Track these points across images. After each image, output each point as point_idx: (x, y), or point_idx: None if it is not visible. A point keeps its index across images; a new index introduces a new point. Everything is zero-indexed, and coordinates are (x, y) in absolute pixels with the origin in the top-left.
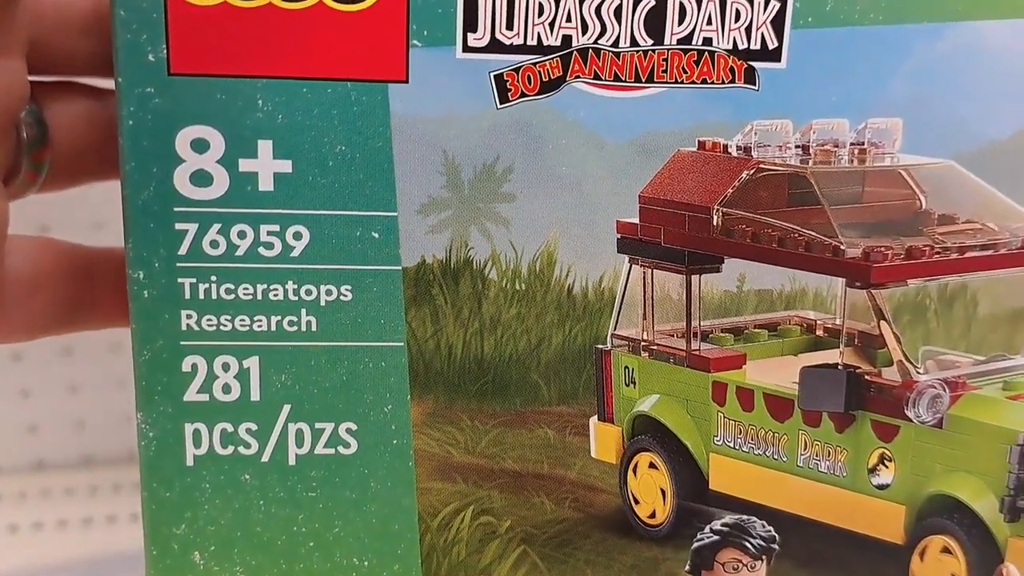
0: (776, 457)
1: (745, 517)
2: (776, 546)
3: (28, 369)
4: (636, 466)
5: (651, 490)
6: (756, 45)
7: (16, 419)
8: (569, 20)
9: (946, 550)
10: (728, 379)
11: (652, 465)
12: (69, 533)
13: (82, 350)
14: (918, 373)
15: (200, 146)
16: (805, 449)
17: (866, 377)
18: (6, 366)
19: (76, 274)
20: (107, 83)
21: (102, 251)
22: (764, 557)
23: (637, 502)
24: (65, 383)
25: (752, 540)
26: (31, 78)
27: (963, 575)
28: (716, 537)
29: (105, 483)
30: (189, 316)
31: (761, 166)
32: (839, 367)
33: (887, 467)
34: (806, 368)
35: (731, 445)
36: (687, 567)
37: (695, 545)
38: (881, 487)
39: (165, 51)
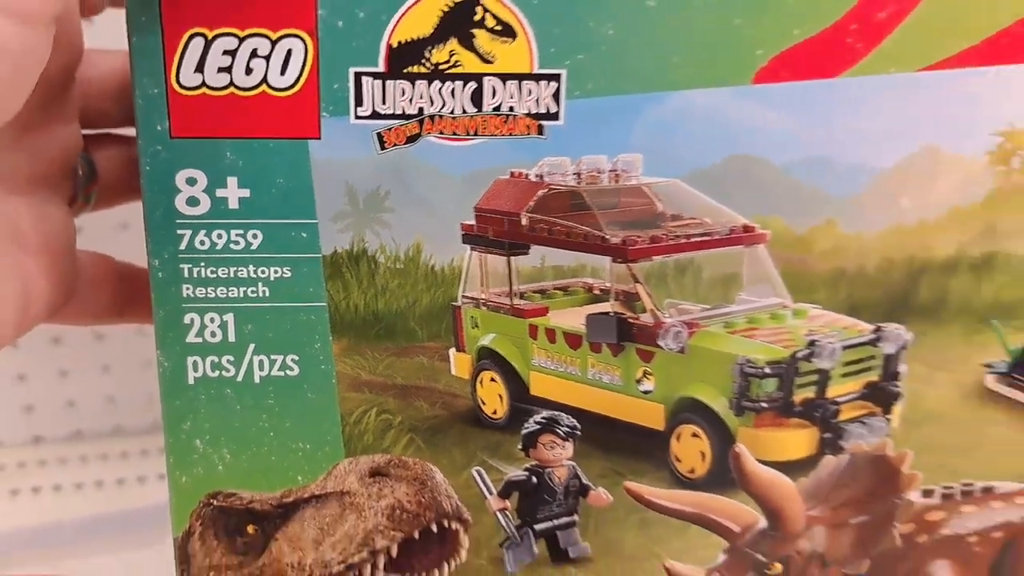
0: (574, 373)
1: (556, 413)
2: (578, 432)
3: (66, 352)
4: (482, 380)
5: (492, 396)
6: (543, 110)
7: (56, 395)
8: (422, 98)
9: (695, 435)
10: (538, 323)
11: (492, 379)
12: (106, 492)
13: (112, 336)
14: (664, 317)
15: (191, 181)
16: (592, 368)
17: (629, 320)
18: (47, 349)
19: (124, 280)
20: (130, 132)
21: (140, 268)
22: (571, 439)
23: (484, 404)
24: (99, 364)
25: (562, 427)
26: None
27: (708, 452)
28: (537, 426)
29: (134, 449)
30: (187, 288)
31: (551, 187)
32: (611, 314)
33: (649, 379)
34: (589, 315)
35: (543, 366)
36: (519, 446)
37: (524, 432)
38: (646, 392)
39: (168, 123)
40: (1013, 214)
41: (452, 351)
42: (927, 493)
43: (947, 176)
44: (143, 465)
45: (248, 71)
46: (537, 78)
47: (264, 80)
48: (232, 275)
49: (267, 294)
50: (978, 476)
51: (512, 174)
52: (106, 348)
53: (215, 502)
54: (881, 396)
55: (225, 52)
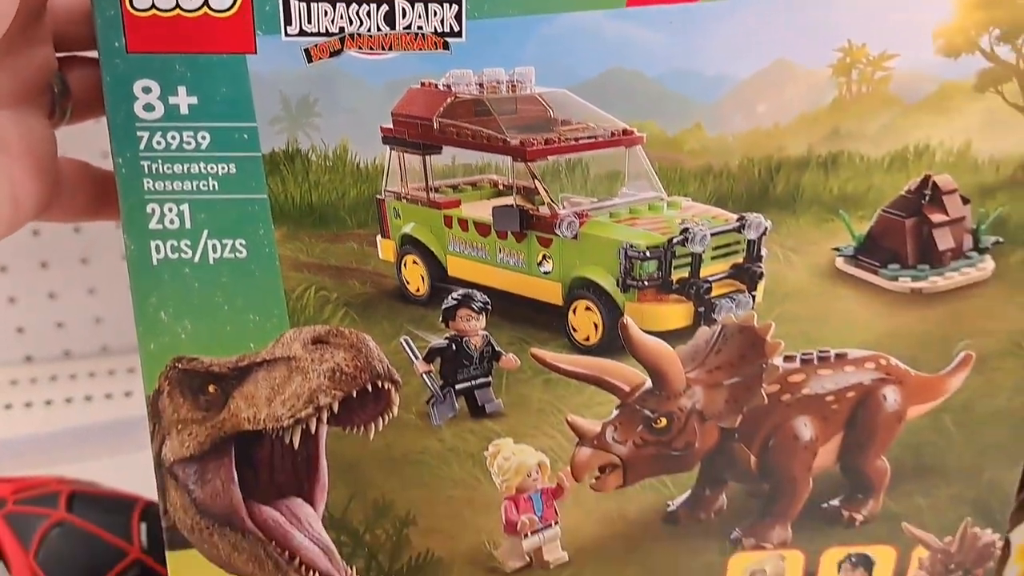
0: (484, 257)
1: (470, 290)
2: (490, 307)
3: (54, 276)
4: (405, 263)
5: (415, 276)
6: (448, 29)
7: (45, 317)
8: (342, 19)
9: (588, 308)
10: (451, 214)
11: (415, 262)
12: (94, 405)
13: (98, 260)
14: (559, 209)
15: (146, 90)
16: (500, 252)
17: (530, 211)
18: (36, 273)
19: (99, 183)
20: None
21: (111, 172)
22: (483, 313)
23: (408, 283)
24: (85, 286)
25: (476, 303)
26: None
27: (600, 323)
28: (455, 302)
29: (121, 367)
30: (148, 182)
31: (457, 95)
32: (514, 206)
33: (548, 262)
34: (495, 207)
35: (458, 251)
36: (440, 319)
37: (443, 307)
38: (546, 273)
39: (124, 40)
40: (853, 119)
41: (379, 238)
42: (789, 358)
43: (796, 86)
44: (129, 381)
45: None
46: (441, 1)
47: (205, 3)
48: (186, 171)
49: (216, 187)
50: (832, 344)
51: (423, 84)
52: (92, 271)
53: (180, 365)
54: (746, 276)
55: None
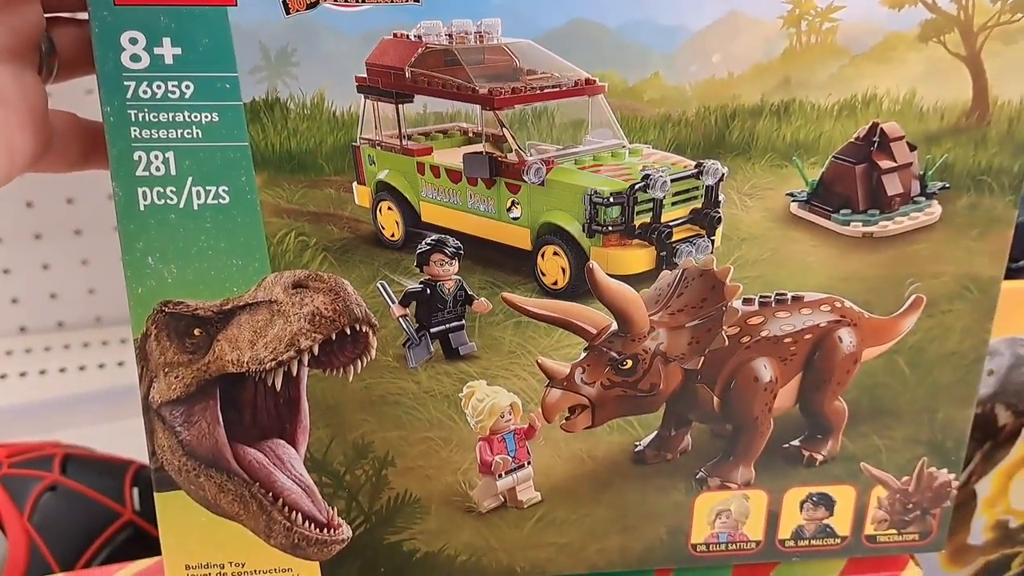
0: (456, 203)
1: (443, 236)
2: (462, 252)
3: (47, 247)
4: (381, 209)
5: (391, 222)
6: None
7: (39, 288)
8: None
9: (556, 253)
10: (424, 161)
11: (389, 208)
12: (88, 375)
13: (90, 231)
14: (527, 156)
15: (133, 41)
16: (471, 198)
17: (499, 159)
18: (30, 245)
19: (88, 134)
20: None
21: (100, 123)
22: (456, 258)
23: (383, 228)
24: (78, 258)
25: (448, 248)
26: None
27: (567, 267)
28: (428, 247)
29: (114, 337)
30: (135, 130)
31: (427, 46)
32: (484, 153)
33: (517, 207)
34: (466, 154)
35: (431, 197)
36: (415, 264)
37: (417, 252)
38: (515, 219)
39: None
40: (804, 69)
41: (355, 184)
42: (748, 301)
43: (749, 36)
44: (122, 351)
45: None
46: None
47: None
48: (171, 119)
49: (200, 135)
50: (788, 287)
51: (395, 35)
52: (85, 243)
53: (166, 309)
54: (705, 221)
55: None
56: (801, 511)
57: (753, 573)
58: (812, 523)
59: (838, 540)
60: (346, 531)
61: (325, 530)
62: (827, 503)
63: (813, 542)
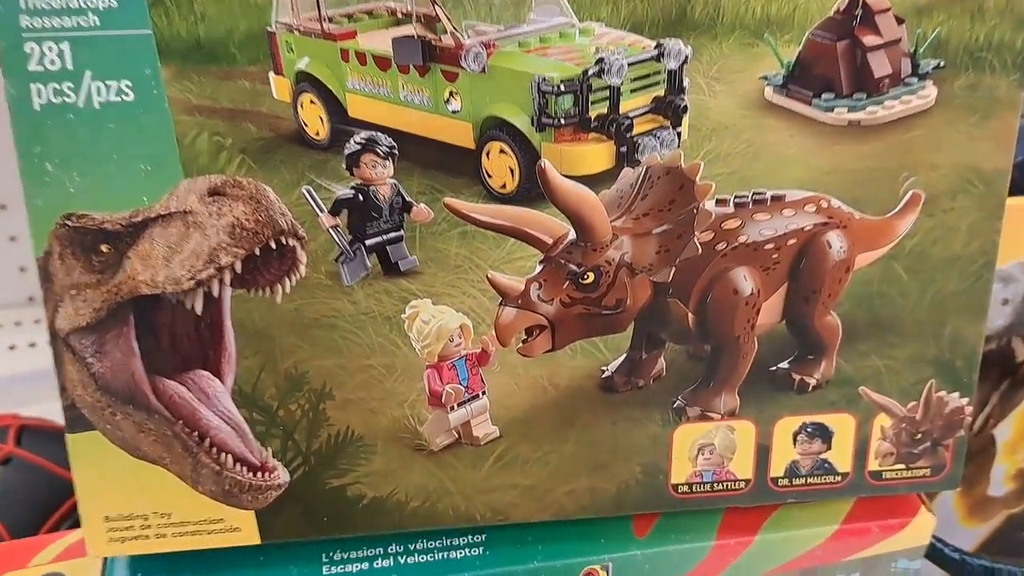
0: (387, 95)
1: (375, 133)
2: (396, 151)
3: (14, 218)
4: (302, 103)
5: (314, 118)
6: None
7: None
8: None
9: (502, 151)
10: (348, 46)
11: (312, 102)
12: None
13: (17, 205)
14: (464, 39)
15: None
16: (403, 89)
17: (432, 42)
18: None
19: None
20: None
21: None
22: (390, 158)
23: (307, 126)
24: (7, 234)
25: (381, 147)
26: None
27: (516, 167)
28: (358, 146)
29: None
30: (24, 18)
31: None
32: (415, 36)
33: (455, 99)
34: (395, 38)
35: (358, 88)
36: (344, 166)
37: (346, 152)
38: (454, 112)
39: None
40: None
41: (271, 75)
42: (721, 202)
43: None
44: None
45: None
46: None
47: None
48: (64, 6)
49: (97, 23)
50: (766, 185)
51: None
52: (13, 219)
53: (70, 222)
54: (669, 109)
55: None
56: (795, 444)
57: (747, 520)
58: (808, 458)
59: (838, 477)
60: (283, 475)
61: (259, 473)
62: (823, 434)
63: (810, 480)
